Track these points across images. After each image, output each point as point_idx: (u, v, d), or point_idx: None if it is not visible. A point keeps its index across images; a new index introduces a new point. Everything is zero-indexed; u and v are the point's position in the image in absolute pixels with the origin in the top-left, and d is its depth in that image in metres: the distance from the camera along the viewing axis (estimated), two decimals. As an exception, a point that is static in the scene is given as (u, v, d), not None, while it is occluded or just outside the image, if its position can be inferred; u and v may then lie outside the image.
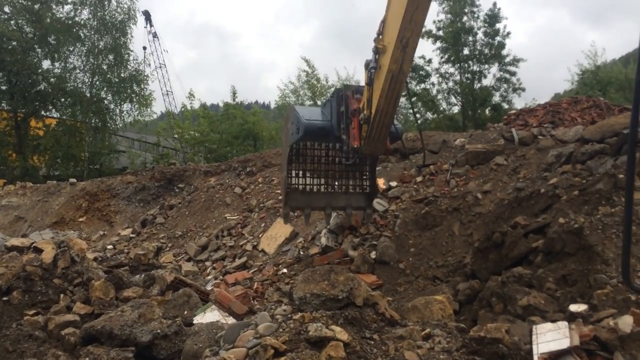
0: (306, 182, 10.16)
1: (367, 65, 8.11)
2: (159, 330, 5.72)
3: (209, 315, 6.53)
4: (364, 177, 10.62)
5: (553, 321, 6.32)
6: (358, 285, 5.41)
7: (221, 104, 35.65)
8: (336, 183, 10.58)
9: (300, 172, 10.09)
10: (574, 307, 6.63)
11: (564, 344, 5.52)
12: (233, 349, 4.79)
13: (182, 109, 37.66)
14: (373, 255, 10.85)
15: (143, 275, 8.26)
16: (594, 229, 8.08)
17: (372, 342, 5.00)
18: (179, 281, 7.94)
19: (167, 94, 56.65)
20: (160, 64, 55.09)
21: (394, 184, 13.69)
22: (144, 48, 53.31)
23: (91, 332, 5.73)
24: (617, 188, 9.10)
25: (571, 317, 6.49)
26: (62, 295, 7.10)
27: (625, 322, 5.76)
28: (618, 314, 6.18)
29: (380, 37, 7.67)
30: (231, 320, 6.36)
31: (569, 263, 7.84)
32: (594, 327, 5.93)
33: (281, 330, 4.83)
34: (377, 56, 7.76)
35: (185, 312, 6.86)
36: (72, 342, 5.86)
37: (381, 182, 13.80)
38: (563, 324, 5.83)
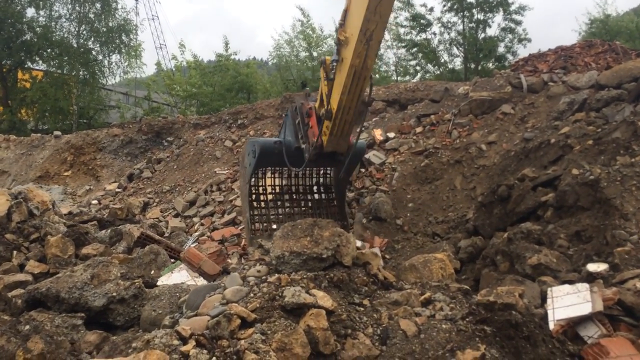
0: (270, 224, 9.03)
1: (322, 62, 7.58)
2: (114, 293, 4.94)
3: (176, 276, 5.76)
4: (332, 206, 9.54)
5: (570, 282, 5.63)
6: (346, 242, 4.60)
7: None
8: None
9: (264, 216, 9.03)
10: (592, 267, 5.92)
11: (585, 309, 4.80)
12: (195, 317, 4.02)
13: (173, 60, 36.28)
14: (362, 219, 10.11)
15: (109, 231, 7.47)
16: (612, 181, 7.34)
17: (362, 309, 4.23)
18: (145, 237, 7.14)
19: (161, 48, 55.37)
20: (152, 15, 53.58)
21: (391, 135, 12.90)
22: (136, -1, 51.75)
23: (36, 296, 4.96)
24: (636, 136, 8.34)
25: (589, 278, 5.79)
26: (15, 252, 6.33)
27: (655, 285, 5.04)
28: (644, 275, 5.46)
29: (343, 27, 6.97)
30: (201, 282, 5.62)
31: (583, 218, 7.18)
32: (618, 289, 5.21)
33: (252, 295, 4.03)
34: (339, 48, 7.06)
35: (152, 272, 6.10)
36: (20, 305, 5.11)
37: (378, 134, 13.04)
38: (583, 287, 5.10)
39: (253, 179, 8.79)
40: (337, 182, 9.34)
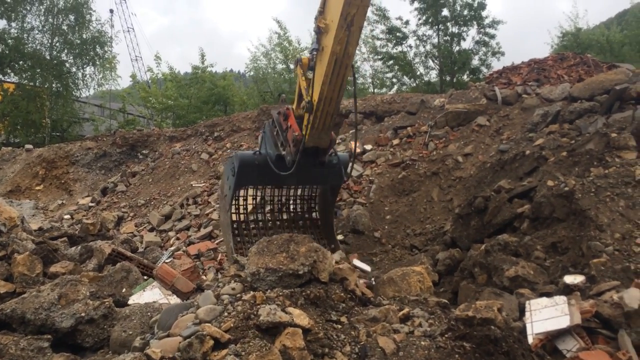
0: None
1: (298, 61, 7.45)
2: (83, 314, 4.74)
3: (148, 294, 5.58)
4: (320, 232, 8.99)
5: (547, 294, 5.61)
6: (323, 258, 4.51)
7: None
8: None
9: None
10: (569, 279, 5.90)
11: (563, 322, 4.78)
12: (167, 337, 3.87)
13: (148, 72, 36.03)
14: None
15: (80, 248, 7.24)
16: (586, 192, 7.38)
17: (339, 327, 4.13)
18: (117, 253, 6.93)
19: (137, 60, 54.96)
20: (128, 27, 53.09)
21: (368, 147, 12.91)
22: (111, 11, 51.44)
23: (0, 317, 4.75)
24: (609, 148, 8.43)
25: (566, 290, 5.78)
26: (-20, 272, 6.08)
27: (632, 296, 5.04)
28: (621, 287, 5.47)
29: (322, 14, 6.77)
30: (174, 300, 5.45)
31: (559, 229, 7.20)
32: (595, 301, 5.20)
33: (226, 314, 3.90)
34: (318, 36, 6.84)
35: (124, 290, 5.89)
36: (-17, 328, 4.88)
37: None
38: (561, 299, 5.09)
39: (234, 209, 8.25)
40: (323, 205, 9.01)
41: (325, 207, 9.03)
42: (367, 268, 8.14)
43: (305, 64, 7.31)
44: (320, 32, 6.76)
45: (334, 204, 9.22)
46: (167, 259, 9.67)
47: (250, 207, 8.79)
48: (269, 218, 8.84)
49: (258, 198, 8.75)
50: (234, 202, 8.20)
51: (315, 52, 6.89)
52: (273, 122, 8.01)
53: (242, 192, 8.48)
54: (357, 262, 8.16)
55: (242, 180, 7.90)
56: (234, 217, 8.31)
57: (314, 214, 9.06)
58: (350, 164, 8.63)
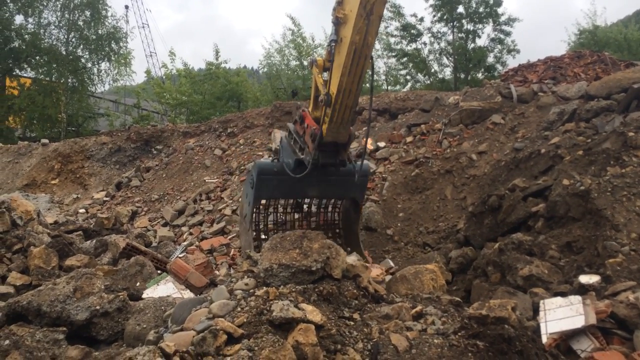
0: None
1: (313, 61, 7.30)
2: (97, 307, 4.79)
3: (162, 289, 5.62)
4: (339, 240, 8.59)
5: (562, 294, 5.57)
6: (336, 254, 4.50)
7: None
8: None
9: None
10: (584, 279, 5.85)
11: (578, 322, 4.74)
12: (180, 331, 3.90)
13: (163, 68, 36.25)
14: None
15: (95, 241, 7.30)
16: (603, 191, 7.29)
17: (352, 323, 4.13)
18: (131, 248, 6.97)
19: (151, 56, 55.41)
20: (142, 23, 53.68)
21: (382, 144, 12.87)
22: (126, 7, 51.96)
23: (16, 309, 4.81)
24: (626, 147, 8.32)
25: (581, 290, 5.73)
26: (-3, 264, 6.17)
27: (648, 297, 4.98)
28: (637, 287, 5.41)
29: (341, 5, 6.64)
30: (188, 295, 5.49)
31: (574, 229, 7.12)
32: (610, 301, 5.15)
33: (239, 309, 3.91)
34: (337, 27, 6.69)
35: (138, 284, 5.94)
36: (0, 319, 4.95)
37: (368, 143, 12.99)
38: (576, 299, 5.04)
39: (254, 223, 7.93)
40: (347, 219, 8.75)
41: (350, 225, 8.73)
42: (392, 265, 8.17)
43: (320, 65, 7.22)
44: (338, 22, 6.61)
45: (358, 221, 8.86)
46: (180, 254, 9.74)
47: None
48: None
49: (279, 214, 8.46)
50: (253, 218, 7.90)
51: (333, 44, 6.74)
52: (290, 133, 7.89)
53: (261, 218, 8.23)
54: (389, 262, 8.15)
55: (261, 189, 7.66)
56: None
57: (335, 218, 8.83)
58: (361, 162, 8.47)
